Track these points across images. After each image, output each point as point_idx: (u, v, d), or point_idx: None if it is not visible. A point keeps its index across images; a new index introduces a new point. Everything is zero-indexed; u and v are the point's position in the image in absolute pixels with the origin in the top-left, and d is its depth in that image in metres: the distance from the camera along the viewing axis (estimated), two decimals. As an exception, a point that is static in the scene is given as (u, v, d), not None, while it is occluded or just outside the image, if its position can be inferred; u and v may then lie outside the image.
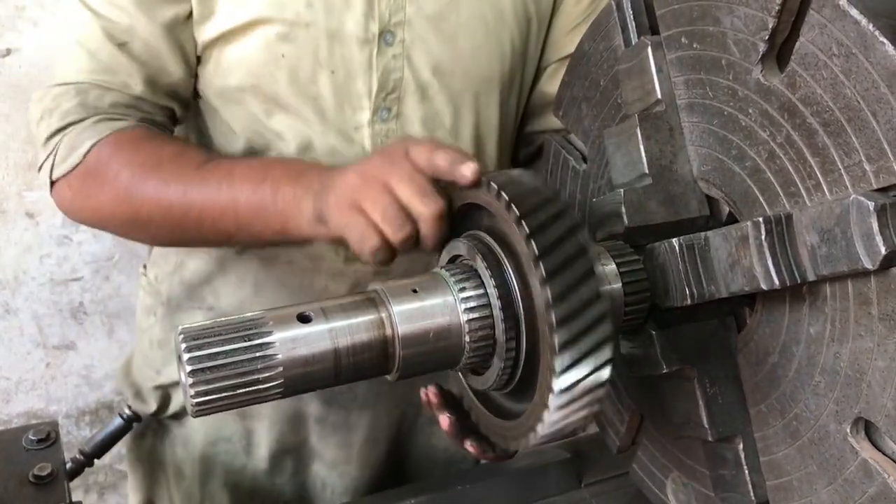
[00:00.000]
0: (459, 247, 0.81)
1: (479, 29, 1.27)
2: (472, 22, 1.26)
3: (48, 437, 1.13)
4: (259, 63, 1.22)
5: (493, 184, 0.75)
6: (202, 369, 0.69)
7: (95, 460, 1.50)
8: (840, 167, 0.69)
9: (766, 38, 0.74)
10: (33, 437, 1.12)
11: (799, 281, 0.71)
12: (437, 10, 1.24)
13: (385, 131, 1.25)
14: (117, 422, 1.51)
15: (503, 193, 0.73)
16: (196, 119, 1.36)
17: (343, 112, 1.24)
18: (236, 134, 1.29)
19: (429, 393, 1.09)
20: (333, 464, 1.47)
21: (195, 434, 1.48)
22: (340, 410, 1.44)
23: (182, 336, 0.70)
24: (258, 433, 1.44)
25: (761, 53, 0.75)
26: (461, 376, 0.86)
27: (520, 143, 1.48)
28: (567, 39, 1.34)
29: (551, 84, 1.37)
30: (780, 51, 0.75)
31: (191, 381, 0.69)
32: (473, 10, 1.26)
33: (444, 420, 1.10)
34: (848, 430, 0.72)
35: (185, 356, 0.69)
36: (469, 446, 1.13)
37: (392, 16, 1.21)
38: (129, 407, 1.52)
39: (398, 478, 1.54)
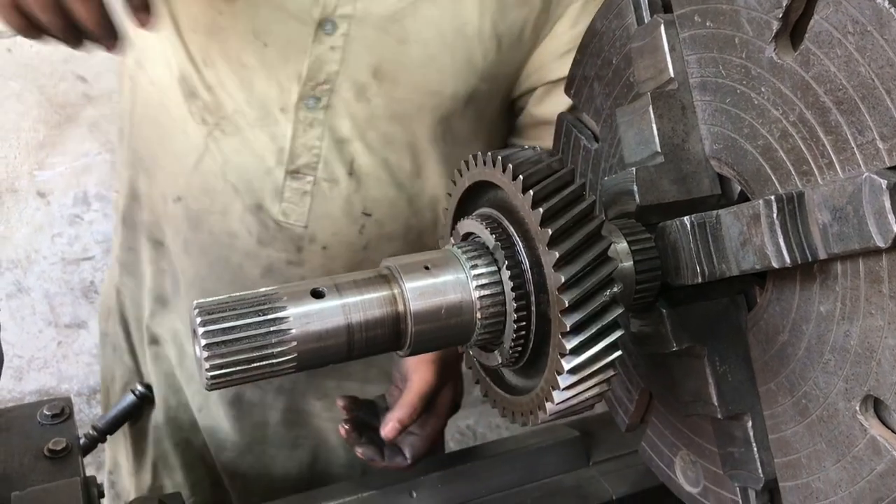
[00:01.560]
0: (471, 224, 0.81)
1: (433, 39, 1.21)
2: (428, 31, 1.20)
3: (62, 413, 1.14)
4: (198, 12, 1.20)
5: (500, 158, 0.76)
6: (217, 343, 0.69)
7: (108, 437, 1.52)
8: (853, 145, 0.69)
9: (780, 15, 0.73)
10: (48, 413, 1.14)
11: (810, 259, 0.71)
12: (391, 12, 1.18)
13: (310, 120, 1.23)
14: (129, 398, 1.53)
15: (510, 166, 0.74)
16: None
17: (271, 89, 1.21)
18: (171, 70, 1.28)
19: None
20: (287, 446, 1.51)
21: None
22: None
23: (197, 310, 0.70)
24: (213, 396, 1.47)
25: (775, 31, 0.74)
26: (472, 353, 0.86)
27: None
28: (558, 63, 1.28)
29: (541, 107, 1.33)
30: (793, 29, 0.75)
31: (206, 354, 0.69)
32: (431, 19, 1.20)
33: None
34: (857, 408, 0.72)
35: (200, 330, 0.70)
36: (359, 453, 1.20)
37: (338, 7, 1.17)
38: (141, 383, 1.54)
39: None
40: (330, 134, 1.25)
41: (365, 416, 1.27)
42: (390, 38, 1.20)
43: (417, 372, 1.24)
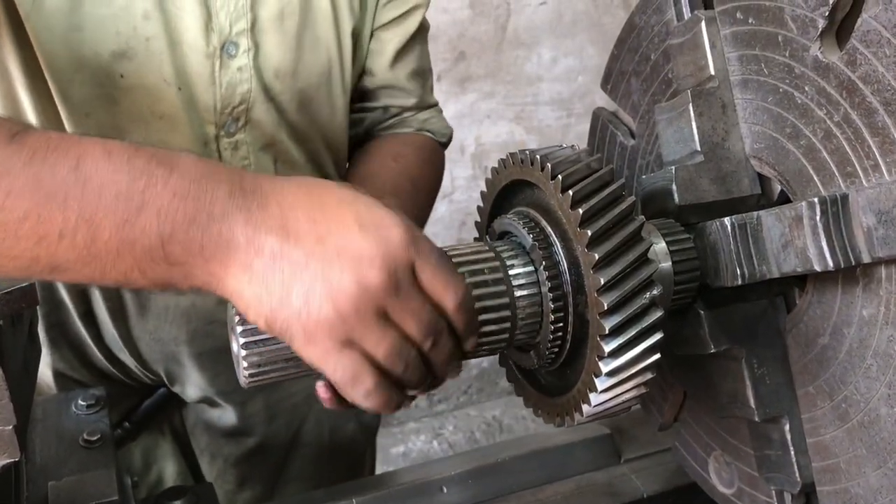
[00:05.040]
0: (507, 223, 0.81)
1: (320, 16, 1.21)
2: (306, 16, 1.20)
3: (97, 403, 1.15)
4: (91, 90, 1.10)
5: (538, 157, 0.75)
6: (255, 341, 0.70)
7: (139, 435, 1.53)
8: (900, 147, 0.67)
9: (827, 13, 0.72)
10: (83, 403, 1.15)
11: (853, 263, 0.70)
12: (279, 9, 1.17)
13: (234, 143, 1.20)
14: (161, 391, 1.54)
15: (548, 165, 0.73)
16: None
17: (192, 125, 1.17)
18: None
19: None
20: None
21: None
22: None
23: (236, 308, 0.71)
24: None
25: (820, 30, 0.73)
26: (507, 353, 0.86)
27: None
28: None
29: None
30: (839, 27, 0.73)
31: (244, 353, 0.70)
32: (300, 2, 1.19)
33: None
34: (900, 414, 0.71)
35: (239, 328, 0.70)
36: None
37: (233, 25, 1.13)
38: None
39: None
40: (254, 147, 1.23)
41: None
42: (285, 35, 1.18)
43: None
